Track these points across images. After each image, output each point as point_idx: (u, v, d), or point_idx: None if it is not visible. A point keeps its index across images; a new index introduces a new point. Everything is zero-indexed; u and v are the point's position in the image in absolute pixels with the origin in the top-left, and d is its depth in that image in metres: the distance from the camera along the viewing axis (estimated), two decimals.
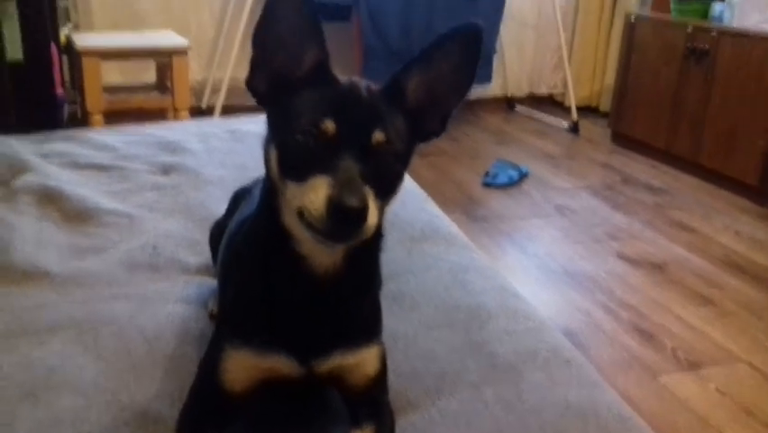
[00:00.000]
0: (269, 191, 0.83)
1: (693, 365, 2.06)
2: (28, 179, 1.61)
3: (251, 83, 0.83)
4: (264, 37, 0.81)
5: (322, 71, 0.81)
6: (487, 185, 3.51)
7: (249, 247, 0.90)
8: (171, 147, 1.92)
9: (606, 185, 3.61)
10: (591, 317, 2.31)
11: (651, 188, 3.57)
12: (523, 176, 3.62)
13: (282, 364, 0.85)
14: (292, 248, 0.81)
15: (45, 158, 1.77)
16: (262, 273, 0.86)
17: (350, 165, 0.73)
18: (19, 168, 1.67)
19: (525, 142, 4.31)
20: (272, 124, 0.83)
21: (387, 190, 0.79)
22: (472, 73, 0.84)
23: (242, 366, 0.85)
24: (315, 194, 0.72)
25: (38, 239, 1.35)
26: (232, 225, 1.09)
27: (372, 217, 0.74)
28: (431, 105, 0.84)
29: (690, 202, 3.40)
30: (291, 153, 0.77)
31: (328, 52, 0.81)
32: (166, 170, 1.77)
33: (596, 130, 4.58)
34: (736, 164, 3.46)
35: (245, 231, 0.93)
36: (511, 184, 3.52)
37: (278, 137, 0.80)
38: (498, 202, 3.31)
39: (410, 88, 0.83)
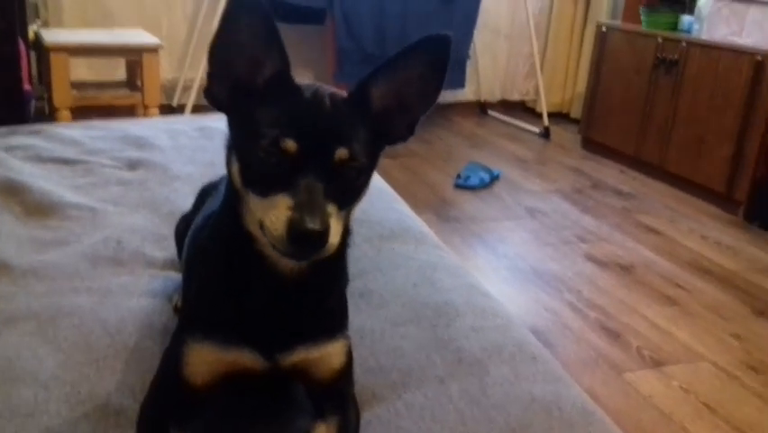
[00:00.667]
0: (232, 194, 0.82)
1: (658, 363, 2.09)
2: None
3: (209, 93, 0.82)
4: (222, 47, 0.79)
5: (283, 80, 0.79)
6: (459, 187, 3.53)
7: (213, 243, 0.89)
8: (139, 143, 1.90)
9: (576, 189, 3.65)
10: (559, 316, 2.33)
11: (619, 193, 3.62)
12: (494, 178, 3.65)
13: (246, 358, 0.84)
14: (255, 248, 0.80)
15: (8, 151, 1.73)
16: (226, 269, 0.85)
17: (311, 184, 0.73)
18: None
19: (498, 146, 4.34)
20: (233, 132, 0.82)
21: (351, 202, 0.79)
22: (440, 82, 0.83)
23: (204, 360, 0.84)
24: (276, 214, 0.72)
25: None
26: (197, 219, 1.08)
27: (335, 237, 0.73)
28: (398, 112, 0.83)
29: (658, 207, 3.46)
30: (253, 168, 0.77)
31: (289, 61, 0.79)
32: (132, 165, 1.74)
33: (567, 136, 4.63)
34: (702, 171, 3.52)
35: (210, 226, 0.92)
36: (483, 186, 3.54)
37: (239, 149, 0.79)
38: (469, 204, 3.33)
39: (376, 96, 0.82)
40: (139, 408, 0.87)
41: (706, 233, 3.15)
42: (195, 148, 1.91)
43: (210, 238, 0.90)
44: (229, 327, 0.84)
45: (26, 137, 1.87)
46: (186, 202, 1.33)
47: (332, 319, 0.90)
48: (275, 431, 0.90)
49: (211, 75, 0.81)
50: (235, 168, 0.79)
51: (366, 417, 0.92)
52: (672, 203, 3.52)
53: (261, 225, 0.75)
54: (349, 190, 0.78)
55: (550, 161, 4.16)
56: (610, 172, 3.95)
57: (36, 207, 1.44)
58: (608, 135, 4.18)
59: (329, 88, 0.81)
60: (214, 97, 0.81)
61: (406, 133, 0.86)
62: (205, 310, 0.87)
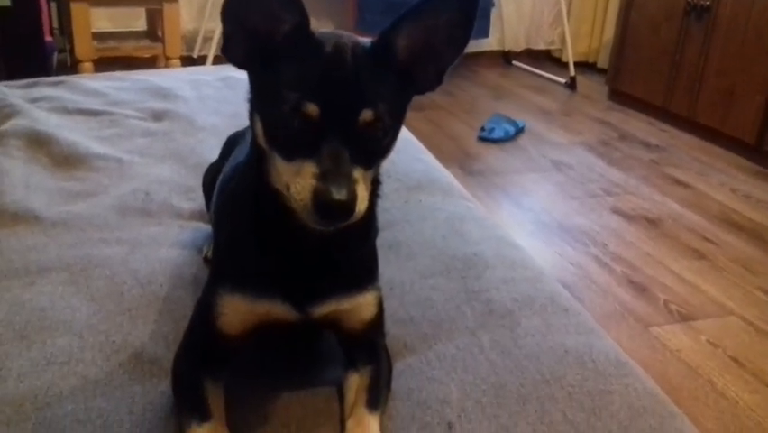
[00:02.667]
0: (258, 149, 0.80)
1: (685, 318, 2.08)
2: (17, 123, 1.57)
3: (226, 52, 0.80)
4: (234, 4, 0.76)
5: (302, 35, 0.76)
6: (483, 139, 3.48)
7: (241, 195, 0.88)
8: (163, 93, 1.89)
9: (602, 141, 3.58)
10: (585, 270, 2.31)
11: (647, 145, 3.55)
12: (519, 131, 3.59)
13: (277, 309, 0.84)
14: (283, 203, 0.78)
15: (34, 102, 1.73)
16: (255, 221, 0.84)
17: (336, 150, 0.71)
18: (7, 112, 1.63)
19: (522, 97, 4.26)
20: (255, 90, 0.80)
21: (378, 160, 0.78)
22: (468, 28, 0.80)
23: (236, 311, 0.84)
24: (301, 182, 0.71)
25: (27, 183, 1.33)
26: (225, 169, 1.07)
27: (362, 203, 0.72)
28: (425, 61, 0.80)
29: (687, 159, 3.39)
30: (275, 131, 0.75)
31: (307, 14, 0.76)
32: (157, 116, 1.73)
33: (593, 86, 4.53)
34: (733, 122, 3.43)
35: (237, 178, 0.91)
36: (507, 139, 3.49)
37: (261, 109, 0.78)
38: (493, 156, 3.29)
39: (401, 45, 0.79)
40: (173, 357, 0.88)
41: (735, 185, 3.09)
42: (219, 99, 1.89)
43: (238, 190, 0.90)
44: (260, 278, 0.84)
45: (50, 88, 1.87)
46: (212, 153, 1.32)
47: (362, 271, 0.90)
48: (307, 381, 0.91)
49: (226, 34, 0.79)
50: (258, 126, 0.77)
51: (398, 367, 0.92)
52: (701, 155, 3.44)
53: (288, 188, 0.73)
54: (376, 150, 0.76)
55: (576, 112, 4.08)
56: (638, 124, 3.87)
57: (63, 159, 1.45)
58: (636, 86, 4.07)
59: (351, 38, 0.78)
60: (231, 56, 0.80)
61: (434, 81, 0.83)
62: (236, 262, 0.87)
